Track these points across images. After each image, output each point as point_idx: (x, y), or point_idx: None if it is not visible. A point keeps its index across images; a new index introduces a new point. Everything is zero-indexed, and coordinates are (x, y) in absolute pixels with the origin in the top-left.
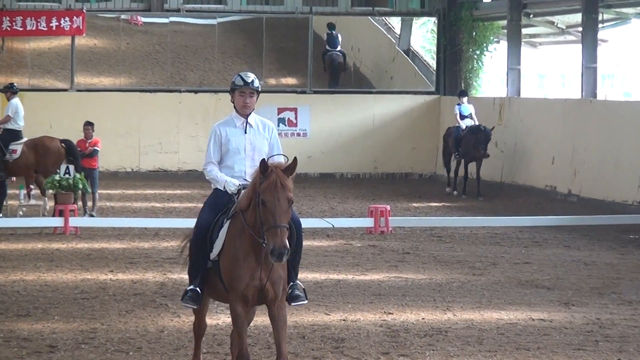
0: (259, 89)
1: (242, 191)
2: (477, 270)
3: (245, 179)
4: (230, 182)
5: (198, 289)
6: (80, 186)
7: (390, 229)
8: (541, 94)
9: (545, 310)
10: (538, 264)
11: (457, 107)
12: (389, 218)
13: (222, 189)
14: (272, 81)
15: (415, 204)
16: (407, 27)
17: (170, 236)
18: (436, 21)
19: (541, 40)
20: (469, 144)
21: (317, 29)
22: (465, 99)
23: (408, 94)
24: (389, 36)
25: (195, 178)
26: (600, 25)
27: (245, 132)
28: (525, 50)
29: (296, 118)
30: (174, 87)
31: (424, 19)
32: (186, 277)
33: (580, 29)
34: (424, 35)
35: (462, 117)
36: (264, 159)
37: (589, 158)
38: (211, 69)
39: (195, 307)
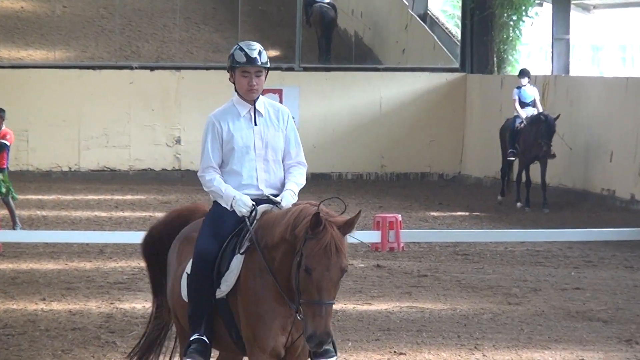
0: (269, 65)
1: (260, 211)
2: (513, 298)
3: (259, 188)
4: (240, 201)
5: (205, 338)
6: (4, 190)
7: (402, 245)
8: (596, 71)
9: (602, 349)
10: (592, 290)
11: (515, 91)
12: (401, 231)
13: (228, 208)
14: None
15: (434, 213)
16: None
17: (119, 254)
18: None
19: (596, 3)
20: (528, 138)
21: None
22: (526, 80)
23: (425, 72)
24: None
25: (151, 179)
26: None
27: (255, 124)
28: (575, 15)
29: (281, 102)
30: (124, 63)
31: None
32: (140, 306)
33: None
34: None
35: (523, 104)
36: (317, 213)
37: None
38: (172, 40)
39: None
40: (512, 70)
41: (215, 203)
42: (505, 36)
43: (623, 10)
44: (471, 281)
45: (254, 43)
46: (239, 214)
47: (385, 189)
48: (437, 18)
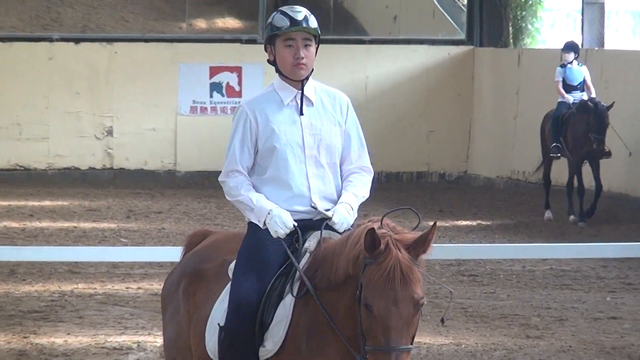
0: (319, 34)
1: (313, 239)
2: (533, 329)
3: (311, 201)
4: (277, 217)
5: None
6: None
7: None
8: (638, 43)
9: None
10: (632, 319)
11: (559, 70)
12: None
13: (260, 225)
14: (201, 24)
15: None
16: None
17: (34, 276)
18: None
19: None
20: (577, 131)
21: None
22: (572, 56)
23: (422, 45)
24: None
25: (75, 181)
26: None
27: (301, 114)
28: None
29: (240, 83)
30: (42, 34)
31: None
32: (61, 340)
33: None
34: None
35: (569, 87)
36: (372, 229)
37: None
38: (101, 4)
39: None
40: (533, 42)
41: (252, 227)
42: (523, 1)
43: None
44: (480, 309)
45: (299, 6)
46: (273, 235)
47: (372, 192)
48: None
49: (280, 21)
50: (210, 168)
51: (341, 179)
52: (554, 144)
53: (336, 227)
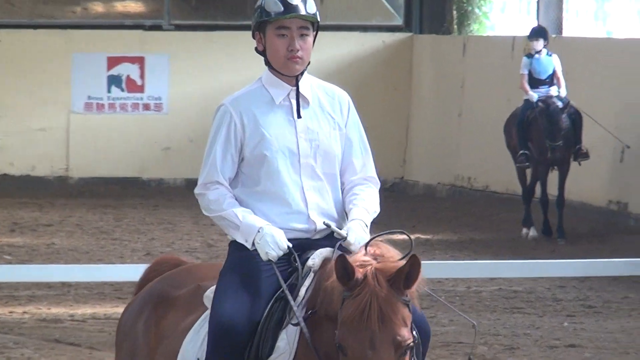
0: (318, 19)
1: (318, 258)
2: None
3: (309, 219)
4: (268, 236)
5: None
6: None
7: None
8: (601, 30)
9: None
10: (593, 347)
11: (525, 62)
12: None
13: (248, 245)
14: (98, 7)
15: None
16: None
17: None
18: None
19: None
20: (539, 136)
21: None
22: (541, 44)
23: (353, 31)
24: None
25: None
26: None
27: (299, 116)
28: None
29: (142, 76)
30: None
31: None
32: None
33: None
34: None
35: (536, 81)
36: (342, 255)
37: None
38: None
39: None
40: (480, 29)
41: (236, 245)
42: None
43: None
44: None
45: None
46: (263, 257)
47: None
48: None
49: (272, 5)
50: (108, 174)
51: (342, 191)
52: (521, 152)
53: (352, 248)
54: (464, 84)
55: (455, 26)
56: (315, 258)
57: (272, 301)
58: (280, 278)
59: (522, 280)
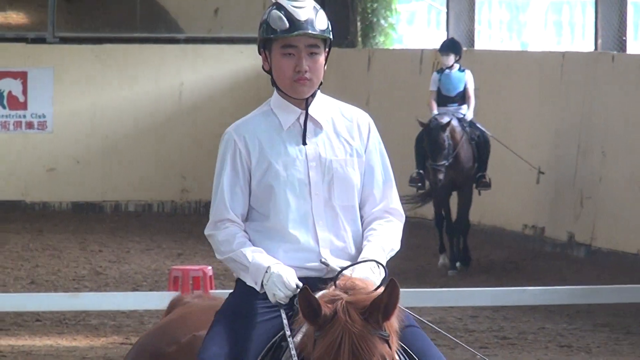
0: (330, 36)
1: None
2: None
3: (323, 262)
4: (275, 276)
5: None
6: None
7: None
8: (515, 43)
9: None
10: None
11: (434, 77)
12: (212, 292)
13: (257, 288)
14: None
15: None
16: None
17: None
18: None
19: None
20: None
21: None
22: (451, 59)
23: (250, 44)
24: None
25: None
26: None
27: (304, 142)
28: None
29: (25, 92)
30: None
31: None
32: None
33: None
34: None
35: (446, 99)
36: (305, 289)
37: (606, 171)
38: None
39: None
40: (386, 42)
41: (241, 283)
42: None
43: None
44: None
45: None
46: (271, 299)
47: (188, 227)
48: None
49: (277, 20)
50: None
51: (362, 225)
52: (415, 171)
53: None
54: (368, 100)
55: (360, 38)
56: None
57: (265, 349)
58: (284, 319)
59: (431, 309)
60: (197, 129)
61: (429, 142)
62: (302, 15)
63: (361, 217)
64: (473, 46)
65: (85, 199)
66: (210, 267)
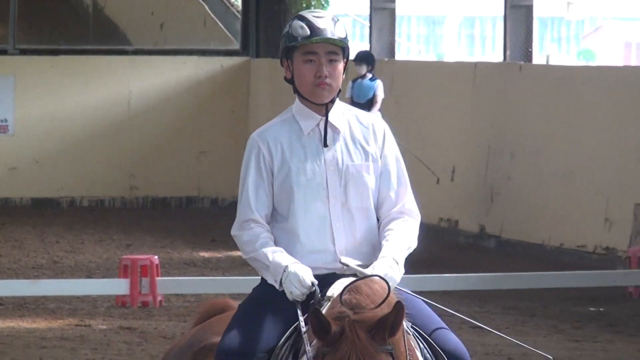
0: (348, 45)
1: (335, 287)
2: None
3: (336, 257)
4: (292, 275)
5: None
6: None
7: (159, 298)
8: (431, 54)
9: None
10: None
11: (349, 86)
12: (158, 279)
13: (276, 286)
14: None
15: (205, 254)
16: None
17: None
18: None
19: None
20: None
21: None
22: (364, 68)
23: (192, 55)
24: None
25: None
26: None
27: (325, 145)
28: None
29: None
30: None
31: None
32: None
33: None
34: None
35: (355, 105)
36: (316, 310)
37: (514, 170)
38: None
39: None
40: None
41: (262, 282)
42: (304, 5)
43: None
44: None
45: (322, 10)
46: (288, 296)
47: (136, 220)
48: None
49: (299, 29)
50: None
51: (379, 226)
52: None
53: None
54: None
55: None
56: (335, 287)
57: (286, 337)
58: (299, 315)
59: None
60: (144, 132)
61: None
62: (322, 24)
63: (378, 218)
64: (394, 57)
65: (44, 195)
66: (156, 257)
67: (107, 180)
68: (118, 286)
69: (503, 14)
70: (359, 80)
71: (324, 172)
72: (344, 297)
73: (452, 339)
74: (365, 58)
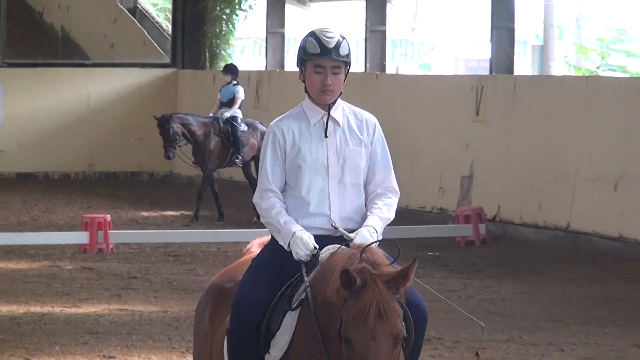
0: (350, 60)
1: (325, 253)
2: None
3: (330, 220)
4: (299, 240)
5: None
6: None
7: (111, 246)
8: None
9: None
10: None
11: (219, 89)
12: (110, 232)
13: (285, 247)
14: None
15: (144, 213)
16: None
17: None
18: None
19: None
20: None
21: None
22: (229, 77)
23: (134, 67)
24: None
25: None
26: None
27: (326, 135)
28: (291, 9)
29: None
30: None
31: None
32: None
33: None
34: None
35: (221, 104)
36: (347, 270)
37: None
38: None
39: None
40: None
41: (272, 240)
42: (218, 30)
43: (341, 4)
44: (183, 283)
45: (333, 30)
46: (295, 257)
47: (94, 189)
48: (147, 11)
49: (312, 47)
50: None
51: (366, 199)
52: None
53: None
54: (214, 104)
55: (208, 63)
56: (324, 252)
57: (284, 287)
58: (304, 271)
59: None
60: (100, 124)
61: (159, 130)
62: (330, 44)
63: (366, 193)
64: (283, 69)
65: (26, 170)
66: (109, 216)
67: (72, 159)
68: (80, 237)
69: (364, 36)
70: (226, 85)
71: (325, 153)
72: (363, 255)
73: (417, 296)
74: (230, 69)
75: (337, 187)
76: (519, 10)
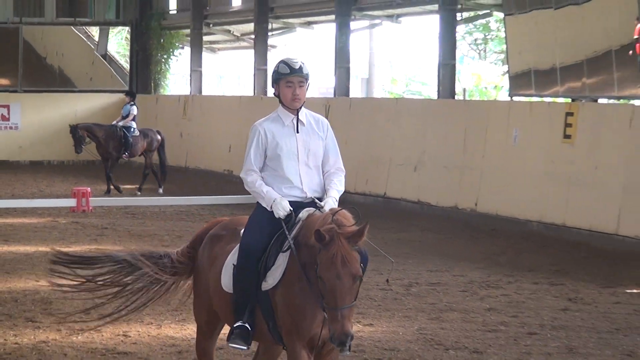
0: (309, 77)
1: (305, 213)
2: (165, 242)
3: (303, 191)
4: (279, 204)
5: (247, 326)
6: None
7: (91, 208)
8: (220, 92)
9: None
10: None
11: (123, 107)
12: (90, 198)
13: (268, 208)
14: None
15: (112, 186)
16: (104, 35)
17: None
18: (129, 30)
19: (220, 46)
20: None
21: (26, 37)
22: (128, 99)
23: (106, 93)
24: (88, 43)
25: None
26: (269, 34)
27: (297, 132)
28: (206, 55)
29: (9, 113)
30: None
31: (119, 28)
32: None
33: (252, 36)
34: (119, 42)
35: (122, 118)
36: (318, 230)
37: None
38: None
39: (245, 348)
40: (164, 91)
41: (257, 206)
42: (159, 69)
43: (238, 51)
44: (137, 231)
45: (296, 57)
46: (277, 216)
47: (80, 171)
48: (113, 57)
49: (284, 69)
50: None
51: (323, 175)
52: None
53: (324, 211)
54: (157, 117)
55: (153, 90)
56: (303, 213)
57: (276, 235)
58: (284, 226)
59: (184, 206)
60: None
61: (71, 135)
62: (296, 66)
63: (323, 171)
64: (202, 93)
65: (35, 159)
66: (89, 188)
67: (66, 152)
68: (71, 202)
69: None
70: (126, 104)
71: (296, 145)
72: (333, 217)
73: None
74: (129, 93)
75: (305, 168)
76: (353, 55)
